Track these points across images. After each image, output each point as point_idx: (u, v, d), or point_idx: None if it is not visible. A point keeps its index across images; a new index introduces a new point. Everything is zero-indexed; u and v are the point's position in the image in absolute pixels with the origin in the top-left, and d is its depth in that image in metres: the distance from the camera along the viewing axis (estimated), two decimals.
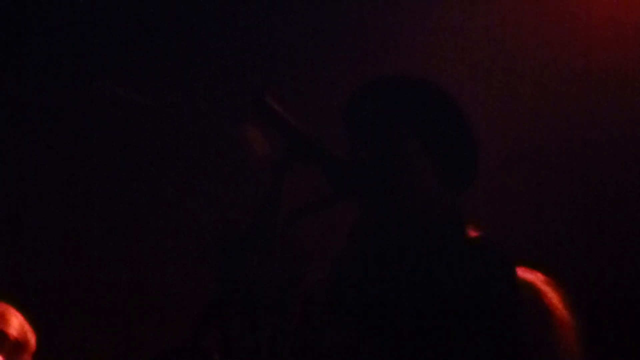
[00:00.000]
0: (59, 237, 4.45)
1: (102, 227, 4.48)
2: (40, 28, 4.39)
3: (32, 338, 3.33)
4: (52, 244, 4.42)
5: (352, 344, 2.07)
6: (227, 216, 2.02)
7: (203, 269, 2.01)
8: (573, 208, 4.35)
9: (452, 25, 4.37)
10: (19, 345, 3.26)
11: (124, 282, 4.44)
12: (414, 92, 2.29)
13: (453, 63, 4.24)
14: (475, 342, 2.07)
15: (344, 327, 2.08)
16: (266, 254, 1.95)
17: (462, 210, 2.28)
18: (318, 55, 4.39)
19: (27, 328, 3.32)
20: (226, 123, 4.02)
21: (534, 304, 2.58)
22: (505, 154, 4.26)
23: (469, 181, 2.30)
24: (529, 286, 2.62)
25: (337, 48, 4.38)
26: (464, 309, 2.08)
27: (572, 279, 4.19)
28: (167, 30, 4.42)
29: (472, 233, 2.23)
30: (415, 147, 2.24)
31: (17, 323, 3.29)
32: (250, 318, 1.96)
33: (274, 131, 2.05)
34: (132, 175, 4.49)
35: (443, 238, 2.22)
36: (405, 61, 4.26)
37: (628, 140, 4.37)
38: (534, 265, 2.66)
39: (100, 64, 4.36)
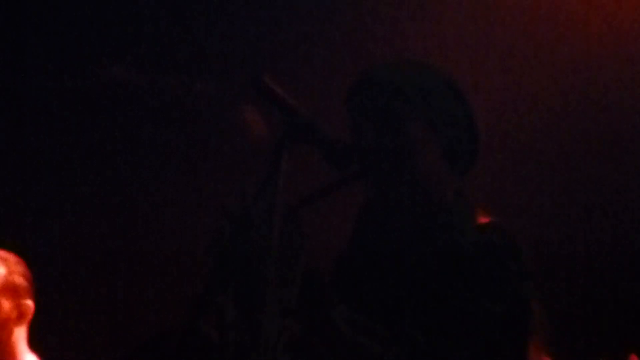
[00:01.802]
0: (56, 234, 4.44)
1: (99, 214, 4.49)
2: (42, 11, 4.40)
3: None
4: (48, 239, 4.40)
5: (356, 328, 2.06)
6: (226, 202, 2.02)
7: (203, 250, 2.02)
8: (574, 199, 4.35)
9: (456, 14, 4.37)
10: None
11: (122, 265, 4.45)
12: (417, 73, 2.29)
13: (456, 51, 4.24)
14: (484, 333, 2.06)
15: (348, 312, 2.07)
16: (265, 236, 1.94)
17: (471, 194, 2.27)
18: (320, 39, 4.39)
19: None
20: (226, 105, 4.02)
21: None
22: (508, 143, 4.26)
23: (472, 162, 2.30)
24: None
25: (340, 32, 4.37)
26: (474, 298, 2.07)
27: (571, 274, 4.22)
28: (168, 14, 4.42)
29: (482, 218, 2.21)
30: (419, 129, 2.23)
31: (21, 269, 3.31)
32: (248, 299, 1.96)
33: (272, 112, 2.04)
34: (131, 162, 4.49)
35: (452, 222, 2.19)
36: (408, 46, 4.26)
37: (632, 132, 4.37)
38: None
39: (102, 47, 4.36)
